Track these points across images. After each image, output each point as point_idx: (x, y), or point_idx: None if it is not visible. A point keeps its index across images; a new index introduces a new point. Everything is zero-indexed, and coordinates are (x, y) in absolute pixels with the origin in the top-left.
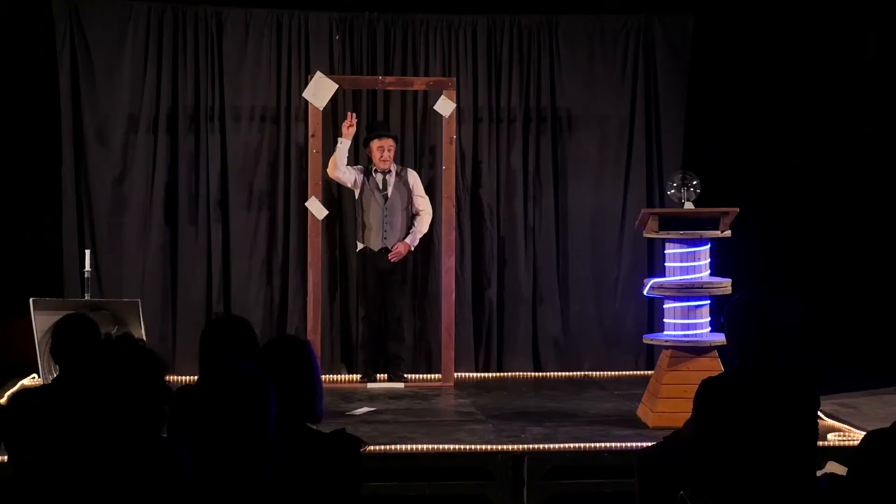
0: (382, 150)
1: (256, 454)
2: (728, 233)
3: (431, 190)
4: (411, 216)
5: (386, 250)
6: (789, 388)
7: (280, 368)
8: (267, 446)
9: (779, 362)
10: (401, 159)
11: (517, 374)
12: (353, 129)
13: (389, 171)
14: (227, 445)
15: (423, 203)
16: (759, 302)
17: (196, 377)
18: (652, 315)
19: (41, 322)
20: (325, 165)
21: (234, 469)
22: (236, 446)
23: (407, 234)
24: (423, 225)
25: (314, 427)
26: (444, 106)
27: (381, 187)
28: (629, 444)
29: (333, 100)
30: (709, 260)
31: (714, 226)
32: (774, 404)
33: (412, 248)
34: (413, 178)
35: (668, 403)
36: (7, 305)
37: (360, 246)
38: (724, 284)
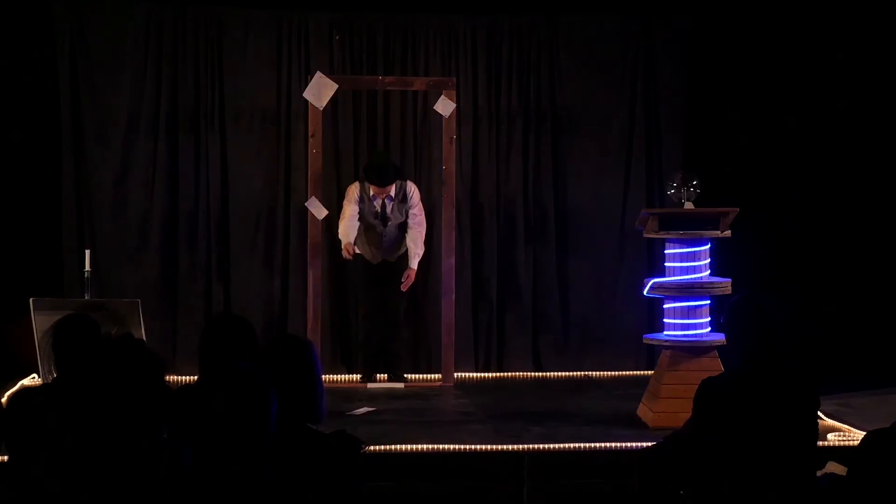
0: (380, 194)
1: (256, 454)
2: (728, 233)
3: (431, 190)
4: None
5: (385, 262)
6: (789, 388)
7: (282, 368)
8: (267, 447)
9: (779, 362)
10: (401, 160)
11: (517, 374)
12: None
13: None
14: (228, 445)
15: (417, 217)
16: (757, 302)
17: (196, 377)
18: (652, 315)
19: (41, 322)
20: (325, 165)
21: (234, 469)
22: (236, 446)
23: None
24: (419, 246)
25: (315, 427)
26: (444, 106)
27: (379, 212)
28: (629, 444)
29: (333, 100)
30: (709, 260)
31: (714, 226)
32: (774, 404)
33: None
34: (411, 189)
35: (668, 403)
36: (7, 305)
37: (358, 250)
38: (724, 284)
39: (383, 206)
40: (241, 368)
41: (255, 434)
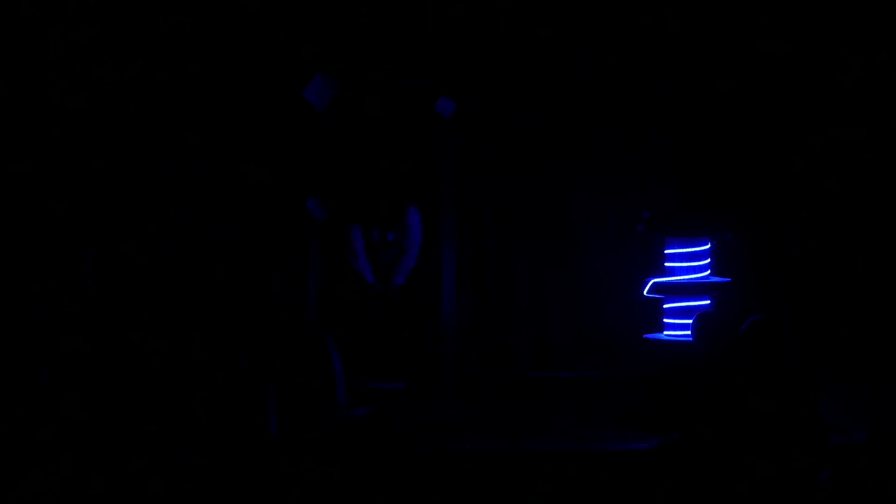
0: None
1: (257, 449)
2: (728, 233)
3: (430, 190)
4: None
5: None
6: (788, 388)
7: (300, 357)
8: (267, 442)
9: (776, 363)
10: (400, 160)
11: (517, 374)
12: None
13: None
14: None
15: (411, 241)
16: (715, 318)
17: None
18: (652, 315)
19: (41, 322)
20: (325, 165)
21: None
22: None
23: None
24: (404, 267)
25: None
26: (444, 106)
27: (384, 238)
28: (629, 445)
29: (334, 100)
30: (709, 260)
31: (714, 226)
32: (774, 404)
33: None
34: (414, 217)
35: (669, 404)
36: (7, 305)
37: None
38: (724, 284)
39: (385, 236)
40: (240, 367)
41: (254, 431)
